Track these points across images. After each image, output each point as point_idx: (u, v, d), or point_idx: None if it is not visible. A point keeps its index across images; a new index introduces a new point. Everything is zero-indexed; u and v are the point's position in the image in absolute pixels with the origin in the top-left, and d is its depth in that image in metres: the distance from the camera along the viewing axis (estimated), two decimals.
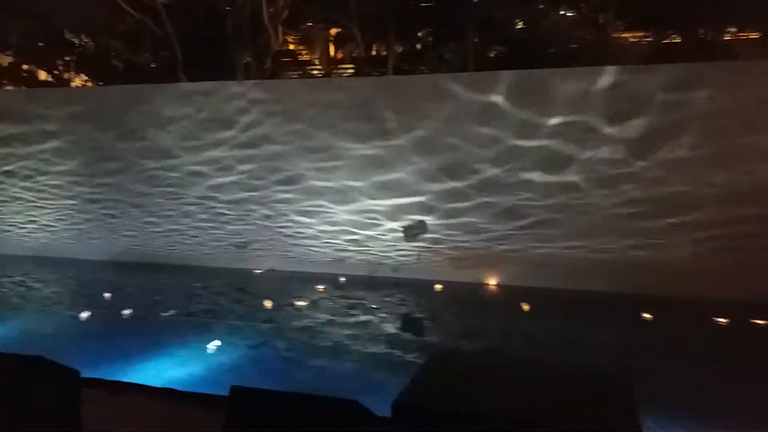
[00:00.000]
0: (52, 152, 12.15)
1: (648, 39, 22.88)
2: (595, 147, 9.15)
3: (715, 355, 6.64)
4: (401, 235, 10.29)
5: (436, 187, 9.98)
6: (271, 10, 20.12)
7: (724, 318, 7.71)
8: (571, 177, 9.31)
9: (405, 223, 10.20)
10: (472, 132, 9.63)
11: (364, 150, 10.26)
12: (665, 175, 8.90)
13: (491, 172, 9.64)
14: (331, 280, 10.28)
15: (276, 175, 10.93)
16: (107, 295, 9.15)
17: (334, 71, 27.34)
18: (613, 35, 22.07)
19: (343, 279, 10.36)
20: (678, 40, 21.87)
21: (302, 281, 10.28)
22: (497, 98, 9.46)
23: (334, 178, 10.56)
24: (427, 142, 9.92)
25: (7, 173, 12.54)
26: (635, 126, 8.95)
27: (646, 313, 7.95)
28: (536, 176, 9.47)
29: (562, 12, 23.56)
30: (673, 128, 8.83)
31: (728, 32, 21.76)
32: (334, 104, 10.32)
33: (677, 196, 8.90)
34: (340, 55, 28.33)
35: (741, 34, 22.10)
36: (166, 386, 4.75)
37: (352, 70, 27.46)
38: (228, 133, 11.06)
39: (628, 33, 23.36)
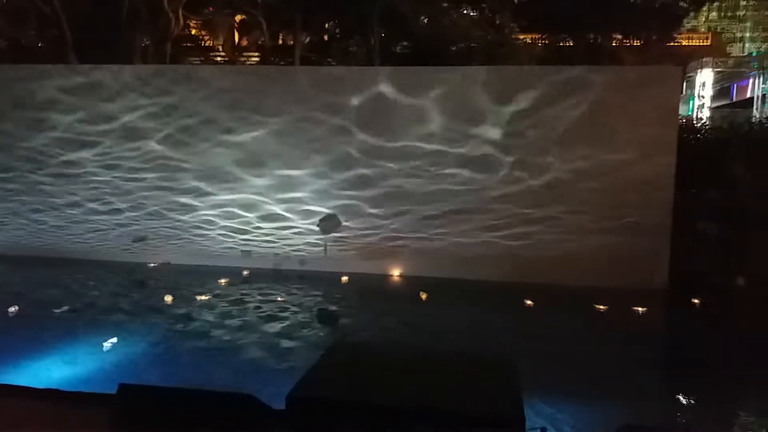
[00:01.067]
0: None
1: (543, 41, 24.13)
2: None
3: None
4: (316, 228, 10.32)
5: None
6: None
7: (602, 305, 8.36)
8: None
9: (319, 217, 10.23)
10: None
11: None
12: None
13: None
14: (235, 273, 10.12)
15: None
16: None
17: (239, 58, 26.71)
18: (511, 36, 23.05)
19: (246, 272, 10.22)
20: (571, 43, 23.18)
21: (205, 275, 10.05)
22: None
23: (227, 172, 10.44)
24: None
25: None
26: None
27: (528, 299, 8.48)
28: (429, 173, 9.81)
29: (464, 11, 24.35)
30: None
31: (615, 39, 23.34)
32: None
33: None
34: (245, 43, 27.72)
35: (626, 41, 23.78)
36: (55, 387, 4.53)
37: (257, 58, 26.94)
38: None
39: (526, 35, 24.48)
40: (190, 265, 10.72)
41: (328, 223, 10.07)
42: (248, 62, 26.62)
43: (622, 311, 8.32)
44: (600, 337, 7.35)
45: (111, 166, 10.95)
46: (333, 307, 8.73)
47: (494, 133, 9.63)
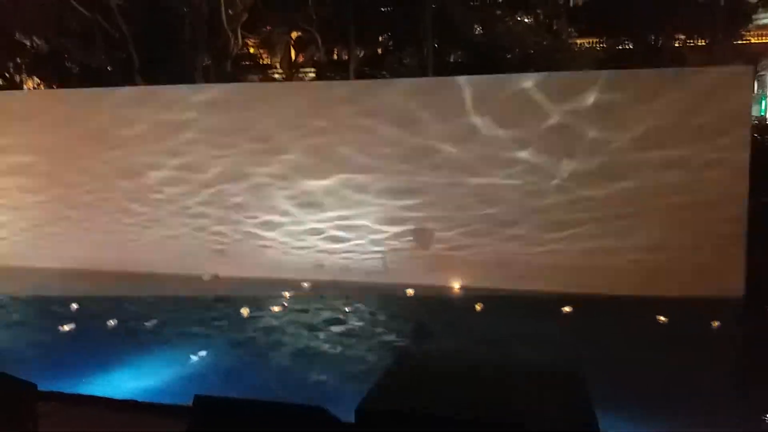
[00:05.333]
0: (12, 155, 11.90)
1: (601, 45, 23.57)
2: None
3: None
4: (374, 239, 10.37)
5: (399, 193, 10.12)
6: (231, 12, 19.98)
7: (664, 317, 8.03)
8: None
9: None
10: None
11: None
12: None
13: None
14: (295, 285, 10.24)
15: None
16: (74, 306, 8.87)
17: (296, 75, 27.26)
18: (568, 41, 22.65)
19: (306, 284, 10.33)
20: (630, 46, 22.56)
21: (265, 287, 10.23)
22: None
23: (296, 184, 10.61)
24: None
25: None
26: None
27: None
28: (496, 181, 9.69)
29: (518, 18, 24.09)
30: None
31: (678, 39, 22.56)
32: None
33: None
34: (301, 59, 28.29)
35: (690, 40, 22.94)
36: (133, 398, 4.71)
37: (313, 74, 27.43)
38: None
39: (583, 39, 24.01)
40: (243, 277, 10.84)
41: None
42: (305, 78, 27.14)
43: (694, 322, 7.97)
44: (669, 349, 7.06)
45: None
46: (399, 319, 8.70)
47: (553, 141, 9.44)
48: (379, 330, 8.14)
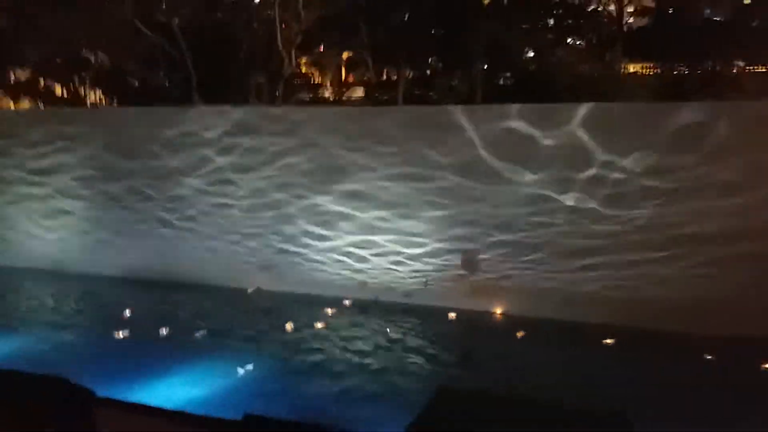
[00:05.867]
0: (68, 170, 12.49)
1: (655, 71, 23.13)
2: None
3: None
4: (415, 260, 10.42)
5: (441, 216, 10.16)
6: (285, 30, 20.48)
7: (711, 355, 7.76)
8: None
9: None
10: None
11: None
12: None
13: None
14: (336, 303, 10.37)
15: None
16: (127, 313, 9.22)
17: (345, 94, 27.67)
18: (620, 67, 22.30)
19: (348, 302, 10.44)
20: (686, 72, 22.03)
21: (308, 303, 10.39)
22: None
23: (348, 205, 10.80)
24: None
25: (20, 185, 12.90)
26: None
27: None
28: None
29: (569, 41, 23.88)
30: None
31: (736, 65, 21.96)
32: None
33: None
34: (351, 79, 28.71)
35: (749, 67, 22.29)
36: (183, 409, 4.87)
37: (361, 94, 27.79)
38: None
39: (636, 64, 23.61)
40: (286, 292, 11.03)
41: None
42: (353, 98, 27.55)
43: (743, 364, 7.66)
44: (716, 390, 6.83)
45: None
46: (443, 343, 8.67)
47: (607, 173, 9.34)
48: (427, 353, 8.09)
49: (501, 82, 24.81)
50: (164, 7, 19.67)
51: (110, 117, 13.10)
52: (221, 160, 11.62)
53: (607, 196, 9.35)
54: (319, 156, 10.94)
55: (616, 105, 10.48)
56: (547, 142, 9.52)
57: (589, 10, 22.50)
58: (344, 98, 27.01)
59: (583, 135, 9.33)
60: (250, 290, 11.30)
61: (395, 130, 10.35)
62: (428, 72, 27.33)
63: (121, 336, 8.04)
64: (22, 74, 26.44)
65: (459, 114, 10.06)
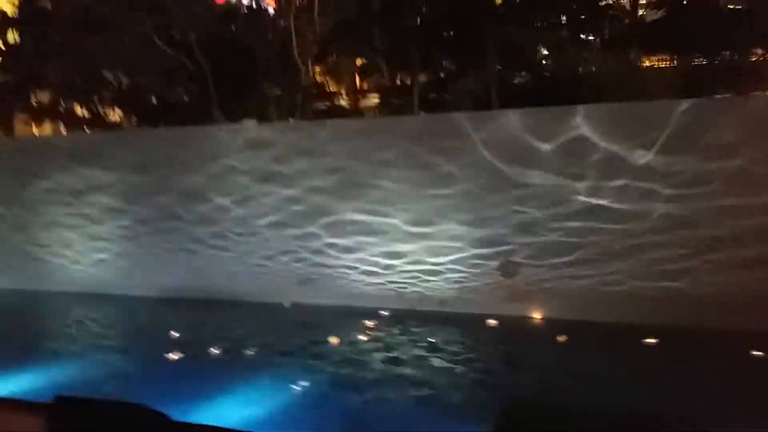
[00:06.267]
0: (105, 192, 12.74)
1: (672, 64, 22.97)
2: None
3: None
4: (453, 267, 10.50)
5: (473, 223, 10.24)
6: (301, 41, 20.64)
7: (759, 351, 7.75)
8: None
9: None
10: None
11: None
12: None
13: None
14: (373, 314, 10.48)
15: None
16: (174, 334, 9.37)
17: (361, 101, 27.80)
18: (638, 61, 22.18)
19: (385, 313, 10.55)
20: (704, 62, 21.85)
21: (347, 315, 10.51)
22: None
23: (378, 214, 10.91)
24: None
25: (57, 208, 13.16)
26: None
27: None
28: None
29: (584, 37, 23.78)
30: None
31: (755, 54, 21.74)
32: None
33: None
34: (365, 86, 28.82)
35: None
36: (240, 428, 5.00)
37: (377, 100, 27.89)
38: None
39: (653, 58, 23.46)
40: (322, 305, 11.18)
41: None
42: (368, 104, 27.65)
43: None
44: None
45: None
46: (492, 352, 8.70)
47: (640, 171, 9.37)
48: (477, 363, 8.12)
49: (516, 81, 24.78)
50: (181, 22, 19.85)
51: (139, 138, 13.35)
52: (248, 177, 11.79)
53: (629, 193, 9.38)
54: (341, 169, 11.08)
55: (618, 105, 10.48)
56: (553, 144, 9.60)
57: (602, 4, 22.40)
58: (360, 105, 27.15)
59: (590, 134, 9.38)
60: (287, 305, 11.45)
61: (411, 140, 10.47)
62: (442, 75, 27.36)
63: (175, 357, 8.19)
64: (43, 97, 26.85)
65: (464, 121, 10.16)
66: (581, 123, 9.48)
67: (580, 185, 9.58)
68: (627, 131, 9.31)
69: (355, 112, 26.03)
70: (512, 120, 9.89)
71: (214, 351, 8.50)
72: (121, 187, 12.69)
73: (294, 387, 7.06)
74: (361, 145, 10.88)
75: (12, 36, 25.63)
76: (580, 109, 9.61)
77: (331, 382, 7.36)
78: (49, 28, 23.63)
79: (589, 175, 9.56)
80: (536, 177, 9.82)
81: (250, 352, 8.50)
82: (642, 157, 9.24)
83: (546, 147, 9.70)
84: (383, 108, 25.59)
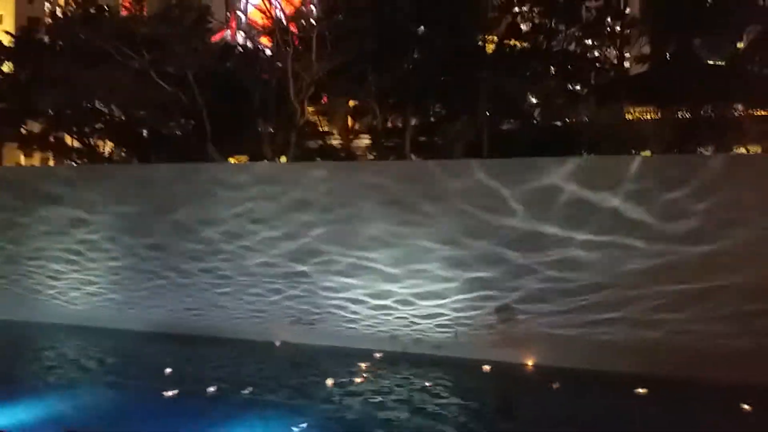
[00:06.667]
0: (97, 226, 12.75)
1: (656, 117, 23.69)
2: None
3: None
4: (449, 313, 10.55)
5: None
6: (297, 82, 21.03)
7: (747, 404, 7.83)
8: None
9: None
10: None
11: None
12: None
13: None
14: (366, 356, 10.46)
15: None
16: (168, 370, 9.22)
17: (353, 142, 28.16)
18: (623, 112, 22.82)
19: (378, 355, 10.55)
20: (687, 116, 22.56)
21: (339, 356, 10.49)
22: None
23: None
24: None
25: (48, 241, 13.13)
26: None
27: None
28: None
29: (571, 87, 24.50)
30: None
31: (735, 110, 22.49)
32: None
33: None
34: (357, 126, 29.25)
35: (752, 110, 22.74)
36: None
37: (368, 141, 28.27)
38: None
39: (639, 109, 24.17)
40: (312, 345, 11.12)
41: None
42: (359, 145, 28.03)
43: None
44: None
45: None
46: (490, 398, 8.66)
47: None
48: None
49: (505, 128, 25.32)
50: (179, 58, 20.17)
51: (134, 172, 13.43)
52: (243, 214, 11.88)
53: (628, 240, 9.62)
54: (337, 211, 11.23)
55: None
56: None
57: (590, 57, 23.19)
58: (351, 145, 27.51)
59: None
60: (277, 343, 11.43)
61: (398, 184, 10.71)
62: (433, 119, 27.87)
63: (170, 394, 8.10)
64: (35, 127, 26.88)
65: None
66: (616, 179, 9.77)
67: (571, 233, 9.81)
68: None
69: (347, 151, 26.37)
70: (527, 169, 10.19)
71: (211, 390, 8.42)
72: (114, 221, 12.69)
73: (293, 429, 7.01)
74: (352, 188, 11.10)
75: (7, 66, 25.81)
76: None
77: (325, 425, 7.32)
78: (44, 59, 23.86)
79: (582, 225, 9.80)
80: (533, 226, 10.02)
81: (246, 392, 8.44)
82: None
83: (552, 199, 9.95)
84: (374, 149, 25.98)
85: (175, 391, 8.16)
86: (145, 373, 9.32)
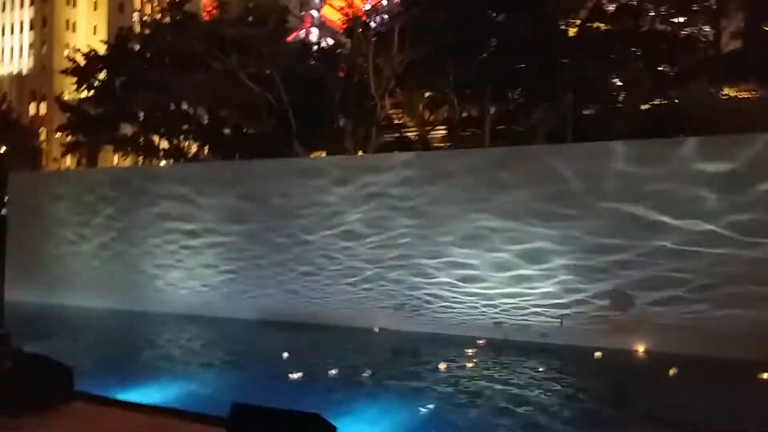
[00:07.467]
0: (210, 218, 13.48)
1: (752, 94, 22.45)
2: None
3: None
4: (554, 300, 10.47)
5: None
6: (377, 77, 21.28)
7: None
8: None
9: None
10: None
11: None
12: None
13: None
14: (469, 342, 10.51)
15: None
16: (285, 354, 9.63)
17: (429, 133, 28.13)
18: (717, 92, 21.75)
19: (481, 342, 10.57)
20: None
21: (442, 343, 10.60)
22: None
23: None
24: None
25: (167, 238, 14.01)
26: None
27: None
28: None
29: (661, 69, 23.52)
30: None
31: None
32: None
33: None
34: (433, 118, 29.19)
35: None
36: None
37: (444, 132, 28.17)
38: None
39: (733, 88, 22.97)
40: (411, 332, 11.27)
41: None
42: (434, 136, 27.98)
43: None
44: None
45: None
46: (609, 384, 8.55)
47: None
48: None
49: (589, 113, 24.62)
50: (264, 59, 20.80)
51: (238, 169, 14.00)
52: (344, 206, 12.18)
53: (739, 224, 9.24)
54: (438, 199, 11.32)
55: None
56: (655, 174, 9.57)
57: (682, 35, 22.16)
58: (428, 137, 27.51)
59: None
60: (376, 329, 11.66)
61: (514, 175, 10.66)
62: (511, 107, 27.44)
63: (296, 377, 8.41)
64: (128, 130, 28.45)
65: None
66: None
67: (681, 221, 9.50)
68: None
69: (424, 143, 26.39)
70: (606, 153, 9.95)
71: (333, 373, 8.67)
72: (221, 216, 13.33)
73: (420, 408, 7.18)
74: (468, 180, 11.17)
75: (103, 73, 27.42)
76: None
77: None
78: (136, 66, 25.20)
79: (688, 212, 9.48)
80: (638, 211, 9.79)
81: (366, 375, 8.65)
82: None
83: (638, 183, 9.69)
84: (451, 140, 25.88)
85: (300, 374, 8.47)
86: (266, 358, 9.72)
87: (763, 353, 8.86)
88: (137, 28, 30.83)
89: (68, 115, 29.54)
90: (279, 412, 4.63)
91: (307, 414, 4.55)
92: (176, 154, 27.75)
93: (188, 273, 13.75)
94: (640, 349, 9.86)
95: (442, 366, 9.02)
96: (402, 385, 8.21)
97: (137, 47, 27.34)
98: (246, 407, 4.67)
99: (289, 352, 9.57)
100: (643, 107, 22.13)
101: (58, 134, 34.11)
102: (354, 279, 12.20)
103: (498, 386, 8.23)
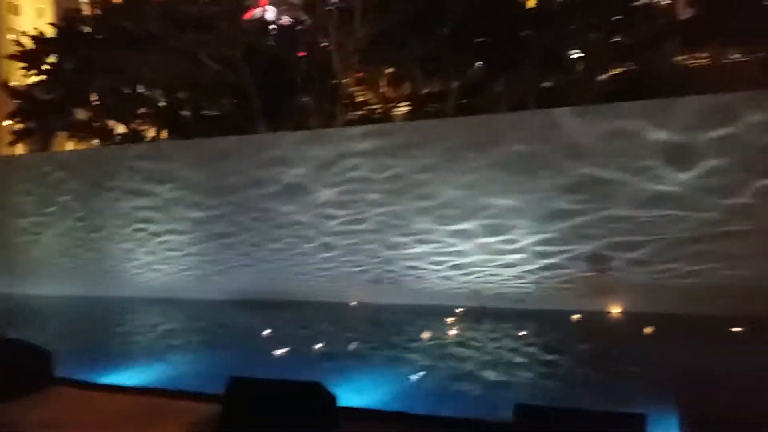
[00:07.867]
0: (170, 199, 13.14)
1: (708, 58, 23.03)
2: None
3: None
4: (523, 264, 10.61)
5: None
6: (341, 51, 21.02)
7: None
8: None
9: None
10: None
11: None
12: None
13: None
14: (446, 311, 10.60)
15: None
16: (266, 331, 9.56)
17: (392, 109, 28.01)
18: (674, 58, 22.23)
19: (460, 310, 10.67)
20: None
21: (421, 314, 10.66)
22: None
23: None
24: None
25: (125, 216, 13.63)
26: None
27: None
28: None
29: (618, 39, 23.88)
30: None
31: None
32: None
33: None
34: (394, 94, 29.07)
35: None
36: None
37: (408, 107, 28.11)
38: None
39: (689, 54, 23.47)
40: (388, 304, 11.31)
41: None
42: (398, 112, 27.92)
43: None
44: None
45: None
46: (589, 346, 8.75)
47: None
48: None
49: (550, 85, 24.87)
50: (225, 38, 20.29)
51: (206, 147, 13.66)
52: (314, 181, 12.06)
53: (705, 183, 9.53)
54: (410, 170, 11.32)
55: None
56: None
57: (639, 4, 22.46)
58: (391, 113, 27.41)
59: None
60: (352, 303, 11.66)
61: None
62: (474, 82, 27.47)
63: (281, 353, 8.35)
64: (83, 114, 27.44)
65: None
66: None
67: (650, 179, 9.73)
68: None
69: (388, 120, 26.29)
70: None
71: (318, 347, 8.63)
72: (191, 196, 13.05)
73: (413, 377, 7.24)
74: (442, 148, 11.17)
75: (52, 57, 26.31)
76: None
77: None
78: (87, 48, 24.24)
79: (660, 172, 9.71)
80: (609, 174, 9.98)
81: (352, 348, 8.66)
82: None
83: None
84: (415, 116, 25.85)
85: (285, 350, 8.41)
86: (246, 337, 9.63)
87: (733, 309, 9.20)
88: (86, 10, 29.57)
89: (17, 102, 28.32)
90: (278, 383, 4.60)
91: (307, 384, 4.53)
92: (133, 138, 26.94)
93: (156, 256, 13.47)
94: (615, 310, 10.11)
95: (425, 335, 9.09)
96: (390, 356, 8.27)
97: (88, 29, 26.29)
98: (244, 380, 4.61)
99: (270, 330, 9.51)
100: (602, 77, 22.52)
101: (7, 122, 32.73)
102: (321, 255, 12.17)
103: (480, 350, 8.39)
